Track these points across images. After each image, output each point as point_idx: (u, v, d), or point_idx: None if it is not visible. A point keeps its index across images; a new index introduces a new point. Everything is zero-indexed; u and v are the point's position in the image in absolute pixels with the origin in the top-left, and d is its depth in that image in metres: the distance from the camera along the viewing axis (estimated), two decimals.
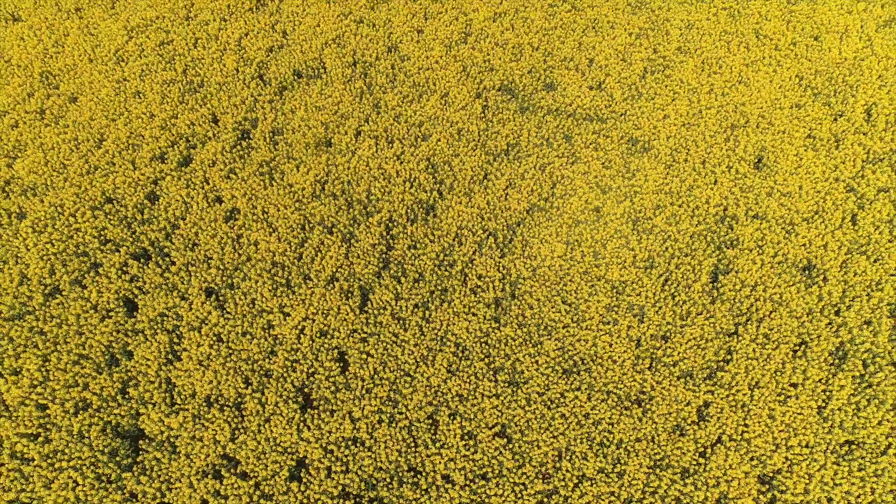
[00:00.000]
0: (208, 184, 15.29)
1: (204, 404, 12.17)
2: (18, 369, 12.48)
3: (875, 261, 13.77)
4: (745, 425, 11.88)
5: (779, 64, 17.42)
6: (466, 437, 11.88)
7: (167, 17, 18.93)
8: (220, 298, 13.59)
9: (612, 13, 18.79)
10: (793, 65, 17.35)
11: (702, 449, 11.77)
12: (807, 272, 13.75)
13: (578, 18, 18.77)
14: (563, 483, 11.29)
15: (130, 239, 14.35)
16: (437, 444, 11.74)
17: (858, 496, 11.09)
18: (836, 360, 12.57)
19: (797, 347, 12.81)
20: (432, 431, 11.99)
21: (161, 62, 17.76)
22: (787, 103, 16.49)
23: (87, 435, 11.74)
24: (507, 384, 12.45)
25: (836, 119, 16.22)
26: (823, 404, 12.00)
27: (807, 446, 11.61)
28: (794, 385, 12.30)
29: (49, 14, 19.11)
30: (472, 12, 19.03)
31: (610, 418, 11.95)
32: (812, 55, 17.58)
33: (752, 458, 11.57)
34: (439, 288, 13.58)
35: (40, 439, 11.69)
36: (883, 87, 16.73)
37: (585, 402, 12.12)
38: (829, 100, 16.56)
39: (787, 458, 11.53)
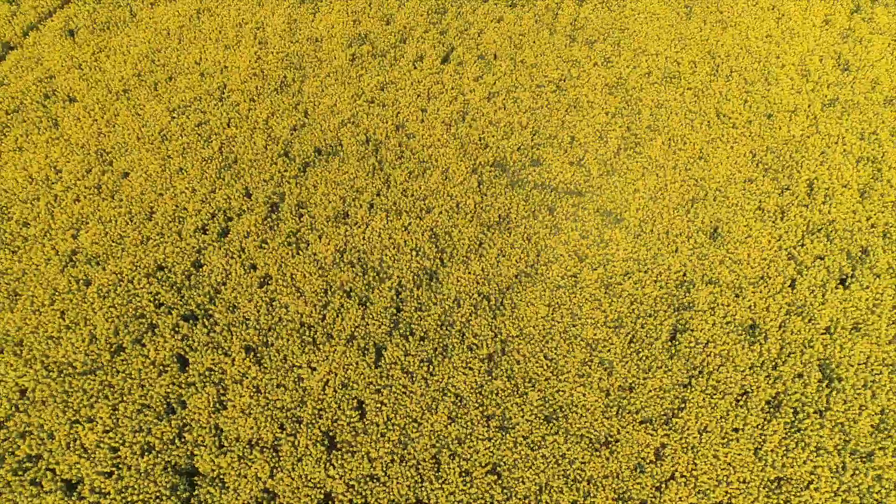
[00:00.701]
0: (244, 253, 17.94)
1: (247, 446, 14.71)
2: (93, 417, 15.05)
3: (809, 321, 16.30)
4: (695, 464, 14.36)
5: (735, 141, 20.06)
6: (464, 475, 14.37)
7: (204, 98, 21.70)
8: (258, 355, 16.17)
9: (591, 93, 21.50)
10: (747, 142, 19.99)
11: (658, 484, 14.24)
12: (751, 331, 16.28)
13: (562, 98, 21.49)
14: None
15: (180, 302, 16.98)
16: (440, 480, 14.24)
17: None
18: (771, 409, 15.06)
19: (739, 397, 15.31)
20: (436, 469, 14.49)
21: (199, 141, 20.50)
22: (740, 178, 19.12)
23: (151, 473, 14.27)
24: (497, 429, 14.97)
25: (782, 193, 18.83)
26: (759, 446, 14.47)
27: (744, 482, 14.07)
28: (736, 430, 14.80)
29: (100, 95, 21.90)
30: (469, 93, 21.76)
31: (582, 458, 14.45)
32: (764, 133, 20.23)
33: (699, 492, 14.03)
34: (441, 345, 16.16)
35: (114, 476, 14.23)
36: (823, 163, 19.35)
37: (563, 445, 14.62)
38: (778, 175, 19.19)
39: (727, 491, 13.98)
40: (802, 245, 17.68)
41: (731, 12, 24.04)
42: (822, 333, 16.10)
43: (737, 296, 16.84)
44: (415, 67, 22.65)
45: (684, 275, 17.31)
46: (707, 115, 20.77)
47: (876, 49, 22.32)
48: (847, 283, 16.96)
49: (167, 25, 24.15)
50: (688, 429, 14.74)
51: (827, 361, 15.70)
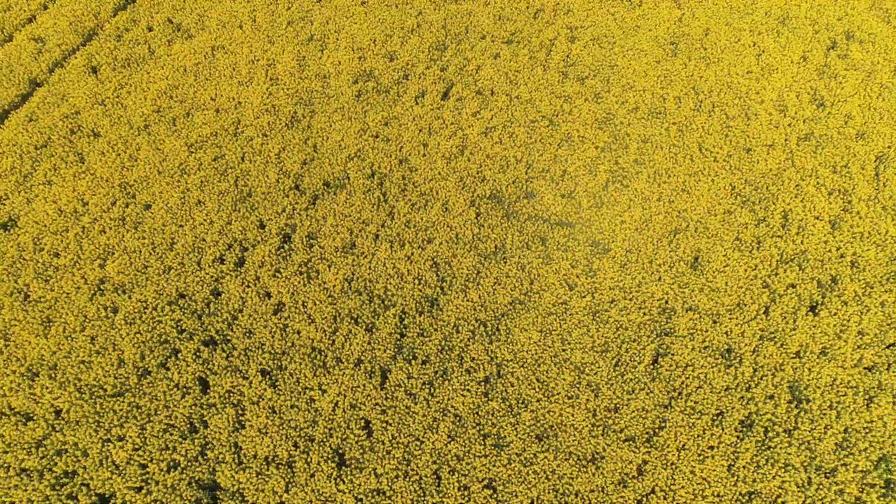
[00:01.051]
0: (259, 281, 19.36)
1: (264, 463, 16.09)
2: (123, 436, 16.44)
3: (780, 346, 17.66)
4: (673, 479, 15.69)
5: (716, 174, 21.48)
6: (462, 489, 15.72)
7: (220, 133, 23.20)
8: (273, 378, 17.56)
9: (582, 128, 22.96)
10: (727, 175, 21.42)
11: (639, 498, 15.57)
12: (727, 355, 17.64)
13: (554, 133, 22.95)
14: None
15: (201, 329, 18.39)
16: (441, 495, 15.59)
17: None
18: (744, 428, 16.40)
19: (715, 417, 16.66)
20: (437, 484, 15.84)
21: (216, 174, 21.98)
22: (720, 210, 20.53)
23: (178, 487, 15.64)
24: (493, 447, 16.32)
25: (758, 224, 20.23)
26: (732, 463, 15.80)
27: (718, 496, 15.40)
28: (711, 447, 16.14)
29: (123, 131, 23.41)
30: (468, 128, 23.23)
31: (571, 473, 15.79)
32: (743, 166, 21.65)
33: None
34: (441, 369, 17.54)
35: (143, 491, 15.61)
36: (798, 196, 20.76)
37: (553, 461, 15.97)
38: (755, 207, 20.60)
39: None
40: (776, 274, 19.06)
41: (714, 49, 25.54)
42: (793, 358, 17.45)
43: (714, 322, 18.22)
44: (417, 103, 24.14)
45: (666, 302, 18.69)
46: (690, 150, 22.21)
47: (850, 85, 23.78)
48: (817, 311, 18.32)
49: (184, 63, 25.70)
50: (667, 446, 16.07)
51: (796, 384, 17.05)
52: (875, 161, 21.54)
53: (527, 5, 27.94)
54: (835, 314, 18.11)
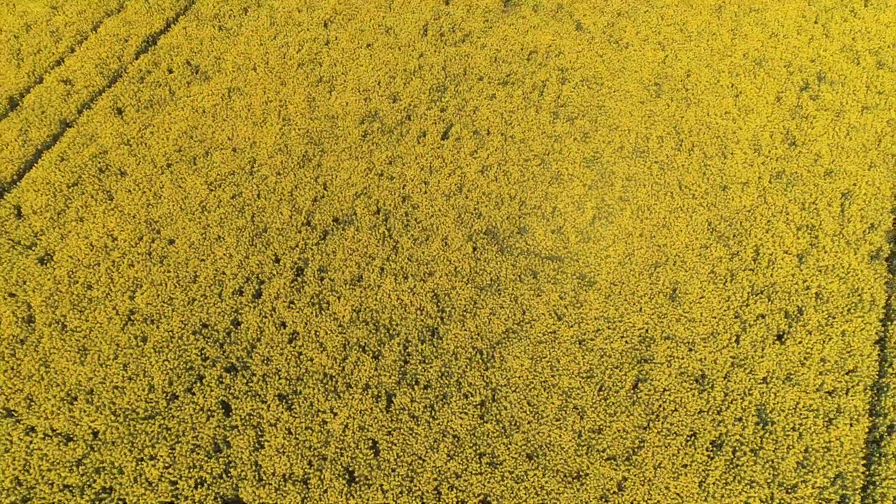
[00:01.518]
0: (275, 312, 21.20)
1: (282, 480, 17.86)
2: (155, 455, 18.23)
3: (749, 372, 19.43)
4: (650, 495, 17.42)
5: (694, 211, 23.34)
6: None
7: (237, 172, 25.14)
8: (289, 402, 19.36)
9: (571, 167, 24.86)
10: (704, 212, 23.28)
11: None
12: (700, 380, 19.42)
13: (545, 171, 24.85)
14: None
15: (223, 356, 20.22)
16: None
17: None
18: (714, 448, 18.16)
19: (689, 438, 18.41)
20: (437, 499, 17.60)
21: (234, 211, 23.89)
22: (697, 245, 22.36)
23: (205, 502, 17.41)
24: (488, 465, 18.09)
25: (732, 258, 22.05)
26: (703, 480, 17.54)
27: None
28: (685, 466, 17.88)
29: (147, 169, 25.36)
30: (466, 167, 25.15)
31: (558, 489, 17.53)
32: (719, 203, 23.51)
33: None
34: (441, 393, 19.34)
35: None
36: (769, 231, 22.60)
37: (542, 478, 17.72)
38: (729, 242, 22.43)
39: None
40: (747, 305, 20.86)
41: (695, 90, 27.48)
42: (760, 383, 19.22)
43: (690, 350, 20.00)
44: (419, 143, 26.09)
45: (646, 331, 20.49)
46: (670, 187, 24.09)
47: (819, 125, 25.69)
48: (783, 339, 20.11)
49: (202, 104, 27.69)
50: (645, 464, 17.82)
51: (763, 407, 18.81)
52: (841, 198, 23.39)
53: (521, 47, 29.94)
54: (799, 343, 19.89)
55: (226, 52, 30.27)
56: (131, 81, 28.86)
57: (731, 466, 17.73)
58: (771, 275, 21.51)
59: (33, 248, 23.20)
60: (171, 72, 29.61)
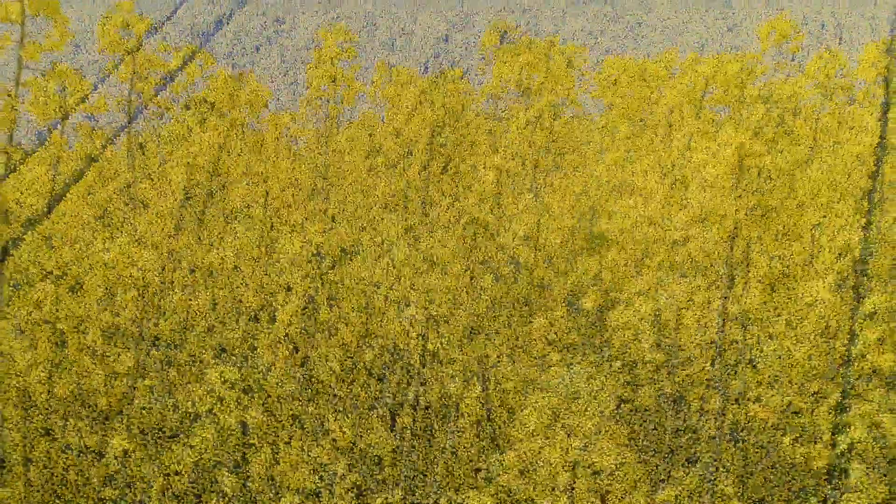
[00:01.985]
0: (288, 337, 23.03)
1: (295, 493, 19.62)
2: (180, 471, 19.99)
3: (722, 394, 21.19)
4: None
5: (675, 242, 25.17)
6: None
7: (252, 205, 27.05)
8: (301, 421, 21.15)
9: (560, 200, 26.77)
10: (686, 243, 25.10)
11: None
12: (677, 403, 21.19)
13: (538, 204, 26.75)
14: None
15: (240, 379, 21.99)
16: None
17: None
18: (690, 464, 19.90)
19: (667, 455, 20.17)
20: None
21: (249, 242, 25.76)
22: (677, 274, 24.17)
23: None
24: (483, 479, 19.85)
25: (709, 287, 23.84)
26: (679, 493, 19.28)
27: None
28: (663, 480, 19.62)
29: (168, 202, 27.25)
30: (464, 199, 27.05)
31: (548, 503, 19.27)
32: (699, 235, 25.32)
33: None
34: (441, 414, 21.13)
35: None
36: (744, 261, 24.40)
37: (532, 492, 19.45)
38: (706, 271, 24.23)
39: None
40: (722, 332, 22.65)
41: (677, 124, 29.39)
42: (733, 404, 20.99)
43: (669, 374, 21.79)
44: (419, 176, 28.02)
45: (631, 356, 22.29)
46: (653, 218, 25.92)
47: (793, 159, 27.53)
48: (755, 363, 21.89)
49: (218, 140, 29.64)
50: (626, 479, 19.56)
51: (735, 426, 20.59)
52: (811, 229, 25.23)
53: (516, 84, 31.92)
54: (769, 366, 21.66)
55: (238, 89, 32.26)
56: (151, 118, 30.88)
57: (704, 480, 19.46)
58: (745, 303, 23.29)
59: (64, 278, 25.09)
60: (188, 108, 31.58)
